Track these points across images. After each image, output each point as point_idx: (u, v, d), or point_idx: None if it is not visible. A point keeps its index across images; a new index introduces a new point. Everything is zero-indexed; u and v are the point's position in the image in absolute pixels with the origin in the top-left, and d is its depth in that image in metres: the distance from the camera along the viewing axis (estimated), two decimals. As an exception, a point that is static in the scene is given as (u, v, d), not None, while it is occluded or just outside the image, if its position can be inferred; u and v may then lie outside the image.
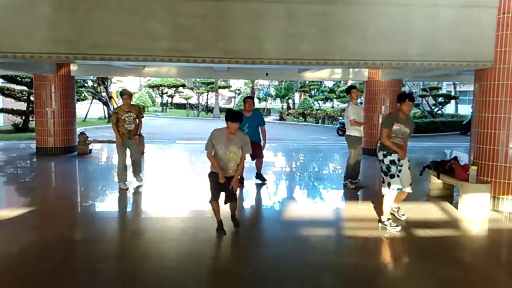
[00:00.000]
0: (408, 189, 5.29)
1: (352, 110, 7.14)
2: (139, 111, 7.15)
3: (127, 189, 7.01)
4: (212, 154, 4.88)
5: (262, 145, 7.40)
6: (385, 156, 5.17)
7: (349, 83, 31.08)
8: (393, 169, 5.11)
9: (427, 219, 5.69)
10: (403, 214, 5.57)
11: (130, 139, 7.01)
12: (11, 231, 5.11)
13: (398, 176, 5.10)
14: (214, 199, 4.87)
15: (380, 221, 5.28)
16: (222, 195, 4.98)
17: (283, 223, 5.64)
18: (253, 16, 5.83)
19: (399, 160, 5.16)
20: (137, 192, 7.07)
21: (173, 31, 5.78)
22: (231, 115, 4.73)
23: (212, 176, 4.91)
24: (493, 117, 6.01)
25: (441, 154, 12.14)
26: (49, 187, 7.98)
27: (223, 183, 4.84)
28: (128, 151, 7.13)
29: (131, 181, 7.43)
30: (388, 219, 5.19)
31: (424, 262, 4.29)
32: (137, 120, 7.05)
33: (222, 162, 4.84)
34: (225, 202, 5.02)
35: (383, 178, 5.21)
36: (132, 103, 7.19)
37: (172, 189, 7.37)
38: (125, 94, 6.91)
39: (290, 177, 8.92)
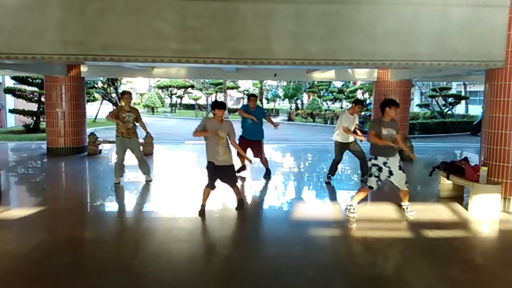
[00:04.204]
0: (404, 187, 5.56)
1: (345, 118, 7.38)
2: (139, 113, 7.45)
3: (118, 182, 7.42)
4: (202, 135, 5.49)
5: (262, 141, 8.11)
6: (369, 159, 5.60)
7: (358, 83, 31.08)
8: (373, 169, 5.49)
9: (437, 220, 5.65)
10: (412, 210, 5.75)
11: (129, 138, 7.17)
12: (22, 230, 5.19)
13: (376, 177, 5.46)
14: (207, 187, 5.59)
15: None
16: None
17: (291, 223, 5.64)
18: (261, 16, 5.83)
19: (385, 163, 5.42)
20: (146, 192, 7.13)
21: (181, 32, 5.81)
22: (217, 104, 5.47)
23: (208, 165, 5.53)
24: (504, 117, 5.95)
25: (451, 154, 12.02)
26: (59, 187, 8.07)
27: (218, 172, 5.51)
28: (129, 152, 7.35)
29: (140, 181, 7.54)
30: (350, 205, 5.72)
31: (434, 263, 4.26)
32: (135, 122, 7.27)
33: (211, 145, 5.48)
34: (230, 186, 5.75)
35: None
36: (131, 104, 7.51)
37: (181, 189, 7.40)
38: (127, 94, 7.33)
39: (298, 177, 8.91)
